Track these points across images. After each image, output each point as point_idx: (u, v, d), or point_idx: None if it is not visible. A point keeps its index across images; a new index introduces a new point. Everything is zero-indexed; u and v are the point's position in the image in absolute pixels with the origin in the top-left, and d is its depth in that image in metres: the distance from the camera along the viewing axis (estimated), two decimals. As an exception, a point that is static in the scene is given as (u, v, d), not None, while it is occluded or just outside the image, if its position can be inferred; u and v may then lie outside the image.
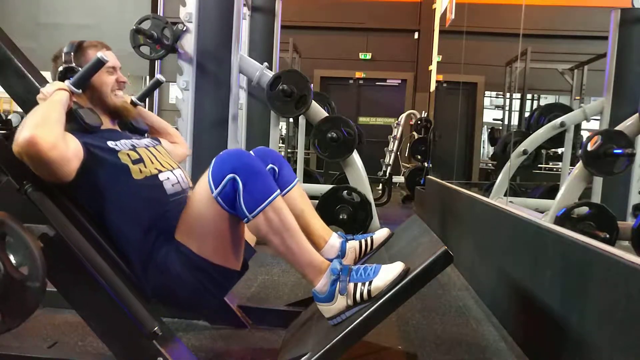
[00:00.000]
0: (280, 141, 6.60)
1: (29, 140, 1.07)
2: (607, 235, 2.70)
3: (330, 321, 1.20)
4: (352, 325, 1.11)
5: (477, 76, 8.08)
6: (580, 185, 3.02)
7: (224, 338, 1.61)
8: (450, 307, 2.05)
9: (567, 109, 4.23)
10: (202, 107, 2.86)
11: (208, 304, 1.40)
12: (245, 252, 1.37)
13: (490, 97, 8.79)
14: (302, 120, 3.46)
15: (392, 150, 5.75)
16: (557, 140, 3.87)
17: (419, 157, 6.14)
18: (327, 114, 3.21)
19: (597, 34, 5.23)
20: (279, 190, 1.21)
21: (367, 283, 1.15)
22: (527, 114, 6.62)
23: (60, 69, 1.36)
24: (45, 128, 1.11)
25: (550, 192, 4.05)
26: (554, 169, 6.59)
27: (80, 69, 1.34)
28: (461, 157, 8.13)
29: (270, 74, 3.02)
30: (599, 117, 3.72)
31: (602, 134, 2.92)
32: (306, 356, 1.13)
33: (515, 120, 7.23)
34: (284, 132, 6.85)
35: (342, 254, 1.45)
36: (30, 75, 1.34)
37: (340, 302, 1.17)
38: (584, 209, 2.84)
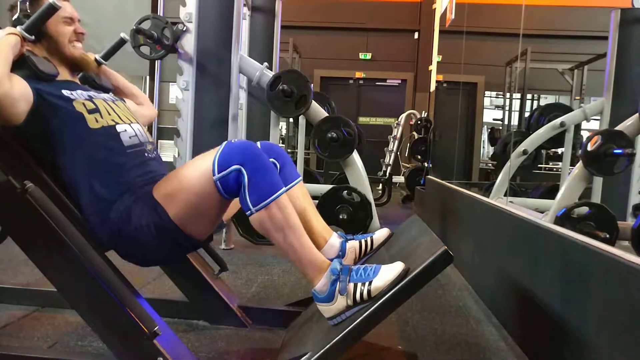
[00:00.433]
0: (280, 141, 6.60)
1: None
2: (607, 235, 2.70)
3: (330, 321, 1.20)
4: (352, 325, 1.11)
5: (477, 76, 8.08)
6: (580, 185, 3.02)
7: (224, 338, 1.61)
8: (450, 307, 2.05)
9: (567, 109, 4.23)
10: (202, 107, 2.86)
11: (162, 261, 1.49)
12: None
13: (490, 97, 8.78)
14: (302, 120, 3.46)
15: (392, 150, 5.75)
16: (557, 140, 3.87)
17: (419, 157, 6.14)
18: (327, 114, 3.21)
19: (597, 34, 5.22)
20: (284, 188, 1.22)
21: (367, 283, 1.15)
22: (527, 114, 6.62)
23: (15, 17, 1.36)
24: None
25: (550, 192, 4.05)
26: (554, 169, 6.59)
27: None
28: (461, 157, 8.13)
29: (270, 74, 3.01)
30: (599, 117, 3.71)
31: (602, 134, 2.91)
32: (306, 356, 1.13)
33: (515, 120, 7.23)
34: (284, 132, 6.85)
35: (342, 253, 1.45)
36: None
37: (340, 302, 1.17)
38: (584, 209, 2.84)
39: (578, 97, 6.65)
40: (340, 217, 3.07)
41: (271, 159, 1.43)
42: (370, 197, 3.18)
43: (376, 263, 1.21)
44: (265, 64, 3.06)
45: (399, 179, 7.06)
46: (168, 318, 1.62)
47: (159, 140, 7.17)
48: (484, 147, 8.74)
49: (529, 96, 7.54)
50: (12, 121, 1.20)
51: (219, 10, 2.85)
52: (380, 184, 5.60)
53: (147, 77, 7.23)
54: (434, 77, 6.59)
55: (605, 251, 1.16)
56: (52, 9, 1.29)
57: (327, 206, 3.08)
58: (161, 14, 6.15)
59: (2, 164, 1.21)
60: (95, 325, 1.22)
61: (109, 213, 1.27)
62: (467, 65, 6.52)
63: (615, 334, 1.09)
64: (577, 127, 4.11)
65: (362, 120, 8.77)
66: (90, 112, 1.32)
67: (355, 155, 3.25)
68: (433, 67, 6.59)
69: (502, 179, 3.97)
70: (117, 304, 1.15)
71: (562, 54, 6.98)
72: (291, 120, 5.83)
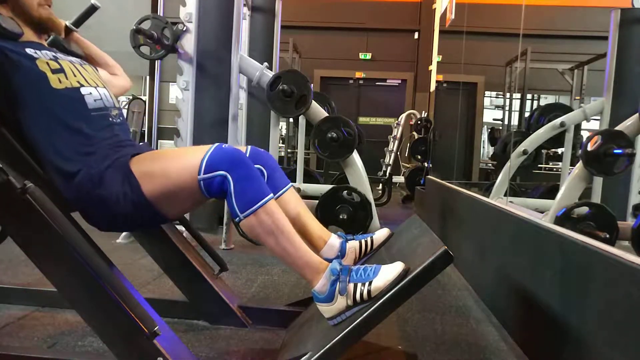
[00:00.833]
0: (280, 141, 6.61)
1: None
2: (607, 235, 2.70)
3: (330, 321, 1.20)
4: (352, 325, 1.11)
5: (477, 76, 8.09)
6: (580, 185, 3.02)
7: (224, 338, 1.61)
8: (450, 307, 2.05)
9: (567, 109, 4.23)
10: (202, 107, 2.87)
11: (128, 228, 1.51)
12: None
13: (490, 97, 8.79)
14: (302, 120, 3.46)
15: (392, 150, 5.75)
16: (557, 140, 3.87)
17: (419, 157, 6.14)
18: (327, 114, 3.21)
19: (597, 34, 5.22)
20: (272, 194, 1.23)
21: (367, 283, 1.15)
22: (527, 114, 6.62)
23: None
24: None
25: (550, 192, 4.05)
26: (554, 169, 6.59)
27: None
28: (461, 157, 8.13)
29: (270, 74, 3.01)
30: (599, 117, 3.72)
31: (602, 134, 2.91)
32: (306, 356, 1.13)
33: (515, 120, 7.24)
34: (284, 132, 6.86)
35: (342, 254, 1.45)
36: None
37: (340, 302, 1.17)
38: (584, 209, 2.84)
39: (578, 97, 6.65)
40: (340, 217, 3.07)
41: (258, 166, 1.43)
42: (370, 197, 3.18)
43: (376, 263, 1.21)
44: (265, 64, 3.06)
45: (399, 179, 7.06)
46: (168, 318, 1.62)
47: (159, 141, 7.17)
48: (484, 147, 8.75)
49: (529, 96, 7.54)
50: None
51: (219, 10, 2.85)
52: (380, 184, 5.60)
53: (147, 77, 7.23)
54: (434, 77, 6.59)
55: (605, 251, 1.16)
56: None
57: (327, 206, 3.08)
58: (161, 14, 6.14)
59: (2, 164, 1.21)
60: (95, 325, 1.21)
61: (75, 173, 1.27)
62: (467, 65, 6.53)
63: (615, 334, 1.09)
64: (577, 127, 4.12)
65: (362, 120, 8.78)
66: (55, 72, 1.31)
67: (355, 155, 3.25)
68: (433, 67, 6.60)
69: (502, 179, 3.97)
70: (117, 304, 1.15)
71: (562, 54, 6.98)
72: (291, 120, 5.84)
